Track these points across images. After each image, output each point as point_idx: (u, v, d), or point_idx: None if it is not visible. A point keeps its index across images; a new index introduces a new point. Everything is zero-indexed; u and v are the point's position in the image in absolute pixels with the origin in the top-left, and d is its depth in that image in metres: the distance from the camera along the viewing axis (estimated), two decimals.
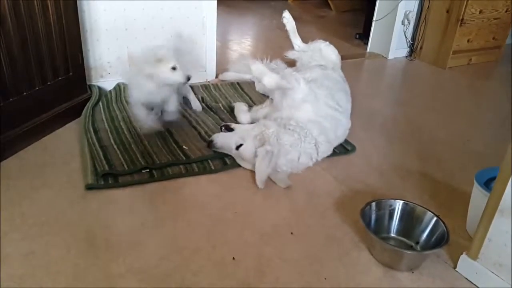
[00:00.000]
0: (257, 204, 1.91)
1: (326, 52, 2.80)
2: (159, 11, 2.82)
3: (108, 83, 2.81)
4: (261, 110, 2.46)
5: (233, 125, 2.23)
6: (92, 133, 2.26)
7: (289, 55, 2.99)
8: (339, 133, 2.30)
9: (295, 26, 2.97)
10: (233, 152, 2.11)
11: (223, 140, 2.12)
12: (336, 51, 2.83)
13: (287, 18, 2.96)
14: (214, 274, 1.51)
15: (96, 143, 2.17)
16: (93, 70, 2.76)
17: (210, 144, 2.14)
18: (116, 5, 2.67)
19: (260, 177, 1.97)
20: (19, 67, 2.05)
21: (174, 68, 2.15)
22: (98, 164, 1.99)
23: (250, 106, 2.61)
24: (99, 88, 2.73)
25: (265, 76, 2.18)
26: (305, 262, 1.59)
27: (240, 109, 2.53)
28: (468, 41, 3.97)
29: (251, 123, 2.35)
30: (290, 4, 6.07)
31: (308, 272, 1.55)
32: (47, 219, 1.70)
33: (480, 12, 3.84)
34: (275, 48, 3.97)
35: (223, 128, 2.24)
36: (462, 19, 3.76)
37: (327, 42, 2.85)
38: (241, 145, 2.07)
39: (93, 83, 2.74)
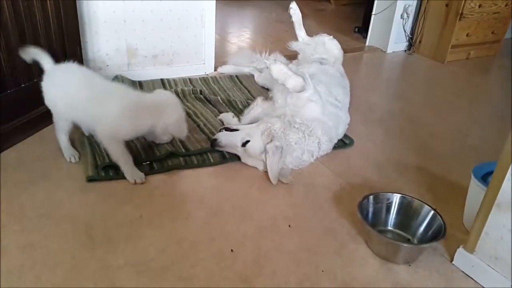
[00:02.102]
0: (255, 197, 1.92)
1: (330, 46, 2.78)
2: (158, 3, 2.81)
3: (106, 75, 2.79)
4: (253, 111, 2.39)
5: (234, 126, 2.15)
6: None
7: (293, 46, 2.98)
8: (340, 131, 2.30)
9: (301, 18, 2.96)
10: (239, 150, 2.06)
11: (227, 138, 2.06)
12: (339, 46, 2.81)
13: (294, 10, 2.94)
14: (212, 267, 1.52)
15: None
16: (91, 62, 2.75)
17: (213, 143, 2.08)
18: None
19: (272, 173, 1.96)
20: (17, 59, 2.04)
21: None
22: (99, 157, 1.99)
23: (240, 111, 2.54)
24: None
25: (290, 79, 2.09)
26: (303, 255, 1.60)
27: (230, 121, 2.40)
28: (467, 35, 3.96)
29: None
30: None
31: (306, 265, 1.56)
32: (46, 211, 1.70)
33: (480, 6, 3.84)
34: (274, 41, 3.97)
35: (224, 130, 2.13)
36: (462, 13, 3.75)
37: (331, 36, 2.84)
38: (247, 141, 2.04)
39: None
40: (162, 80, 2.95)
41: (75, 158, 2.00)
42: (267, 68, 2.20)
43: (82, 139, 2.14)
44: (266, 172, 2.03)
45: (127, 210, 1.75)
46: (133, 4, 2.73)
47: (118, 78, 2.78)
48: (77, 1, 2.41)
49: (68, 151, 2.01)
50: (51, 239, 1.57)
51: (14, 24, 2.01)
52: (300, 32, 2.97)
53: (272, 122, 2.06)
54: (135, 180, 1.90)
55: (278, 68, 2.12)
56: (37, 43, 2.15)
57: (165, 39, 2.95)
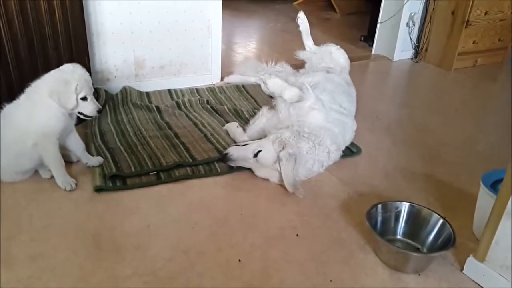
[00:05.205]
0: (262, 206, 1.91)
1: (336, 55, 2.79)
2: (164, 14, 2.84)
3: (114, 86, 2.83)
4: (258, 121, 2.38)
5: (243, 143, 2.14)
6: (98, 136, 2.28)
7: (300, 55, 2.98)
8: (347, 137, 2.30)
9: (308, 28, 2.97)
10: (251, 161, 2.04)
11: (239, 151, 2.05)
12: (345, 55, 2.82)
13: (302, 19, 2.95)
14: (220, 276, 1.51)
15: (103, 146, 2.18)
16: (99, 73, 2.78)
17: (225, 157, 2.07)
18: (122, 8, 2.69)
19: (288, 181, 1.95)
20: (26, 70, 2.08)
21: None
22: (106, 167, 2.00)
23: (247, 120, 2.53)
24: (106, 91, 2.74)
25: (286, 90, 2.13)
26: (311, 264, 1.59)
27: (235, 131, 2.39)
28: (473, 42, 3.95)
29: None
30: (295, 6, 6.08)
31: (314, 274, 1.55)
32: (54, 221, 1.71)
33: (486, 13, 3.83)
34: (280, 51, 3.98)
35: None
36: (468, 20, 3.75)
37: (338, 46, 2.84)
38: (259, 151, 2.02)
39: (99, 86, 2.75)
40: (169, 90, 2.97)
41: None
42: (263, 83, 2.22)
43: (89, 149, 2.15)
44: (277, 183, 2.03)
45: (135, 220, 1.75)
46: (141, 15, 2.76)
47: (125, 89, 2.80)
48: (85, 13, 2.45)
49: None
50: (59, 249, 1.57)
51: (24, 36, 2.05)
52: (308, 41, 2.97)
53: (281, 132, 2.06)
54: (65, 187, 1.87)
55: (273, 82, 2.16)
56: (45, 54, 2.19)
57: (172, 50, 2.97)
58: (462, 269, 1.60)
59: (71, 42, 2.34)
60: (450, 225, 1.62)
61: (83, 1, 2.41)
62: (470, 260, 1.57)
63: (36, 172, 1.96)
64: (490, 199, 1.56)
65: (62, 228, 1.68)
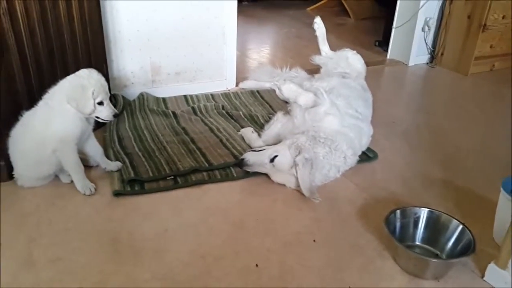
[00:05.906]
0: (279, 211, 1.91)
1: (353, 60, 2.78)
2: (180, 21, 2.87)
3: (131, 93, 2.87)
4: (273, 126, 2.39)
5: (259, 148, 2.15)
6: (116, 142, 2.31)
7: (316, 60, 2.99)
8: (364, 142, 2.29)
9: (325, 33, 2.97)
10: (267, 166, 2.04)
11: (255, 157, 2.06)
12: (362, 61, 2.81)
13: (318, 24, 2.95)
14: (237, 281, 1.51)
15: (121, 151, 2.21)
16: (117, 80, 2.82)
17: (241, 162, 2.07)
18: (138, 16, 2.73)
19: (305, 186, 1.94)
20: (46, 77, 2.11)
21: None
22: (124, 171, 2.03)
23: (262, 125, 2.53)
24: (123, 97, 2.78)
25: (301, 96, 2.16)
26: (328, 270, 1.58)
27: (250, 136, 2.39)
28: (490, 46, 3.90)
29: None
30: (308, 12, 6.09)
31: (332, 280, 1.54)
32: (73, 225, 1.74)
33: (503, 17, 3.78)
34: (294, 56, 3.99)
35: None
36: (485, 24, 3.71)
37: (355, 51, 2.84)
38: (275, 157, 2.02)
39: (117, 93, 2.79)
40: (185, 96, 2.99)
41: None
42: (278, 88, 2.24)
43: (108, 155, 2.18)
44: (293, 188, 2.03)
45: (153, 224, 1.77)
46: (157, 23, 2.80)
47: (143, 95, 2.84)
48: (102, 21, 2.49)
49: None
50: (79, 253, 1.60)
51: (45, 45, 2.09)
52: (324, 46, 2.98)
53: (297, 137, 2.06)
54: (85, 192, 1.90)
55: (288, 88, 2.19)
56: (65, 62, 2.23)
57: (188, 56, 3.00)
58: (483, 276, 1.58)
59: (90, 49, 2.38)
60: (470, 231, 1.60)
61: (101, 9, 2.46)
62: (491, 267, 1.55)
63: (56, 176, 1.99)
64: (511, 205, 1.54)
65: (82, 232, 1.70)
